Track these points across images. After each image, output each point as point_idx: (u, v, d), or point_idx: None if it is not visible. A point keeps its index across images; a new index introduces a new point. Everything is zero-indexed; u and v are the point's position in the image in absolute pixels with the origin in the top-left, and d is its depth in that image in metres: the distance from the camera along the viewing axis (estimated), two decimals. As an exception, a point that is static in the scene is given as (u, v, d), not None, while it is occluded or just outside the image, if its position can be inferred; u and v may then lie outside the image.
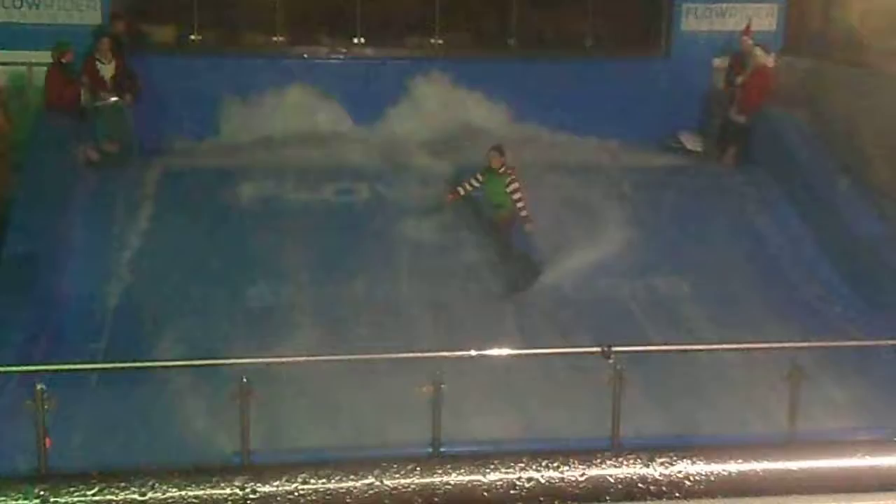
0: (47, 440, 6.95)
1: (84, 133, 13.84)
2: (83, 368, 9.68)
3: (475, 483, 2.20)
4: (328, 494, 2.16)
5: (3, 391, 8.90)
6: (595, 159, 14.93)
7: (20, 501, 2.08)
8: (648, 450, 2.29)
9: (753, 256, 13.64)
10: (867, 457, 2.37)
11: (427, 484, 2.18)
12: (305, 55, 16.23)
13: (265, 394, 7.52)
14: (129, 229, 12.81)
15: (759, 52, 15.36)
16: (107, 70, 14.02)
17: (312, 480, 2.16)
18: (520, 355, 9.44)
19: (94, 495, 2.09)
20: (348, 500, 2.16)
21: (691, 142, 16.05)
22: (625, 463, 2.26)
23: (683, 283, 13.02)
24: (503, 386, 9.52)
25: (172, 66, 15.20)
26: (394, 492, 2.17)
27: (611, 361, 7.55)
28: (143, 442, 8.71)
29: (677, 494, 2.25)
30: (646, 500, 2.25)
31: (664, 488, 2.25)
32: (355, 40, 16.25)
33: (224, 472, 2.16)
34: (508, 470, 2.22)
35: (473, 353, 8.25)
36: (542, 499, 2.20)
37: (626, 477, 2.25)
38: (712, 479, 2.27)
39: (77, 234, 12.59)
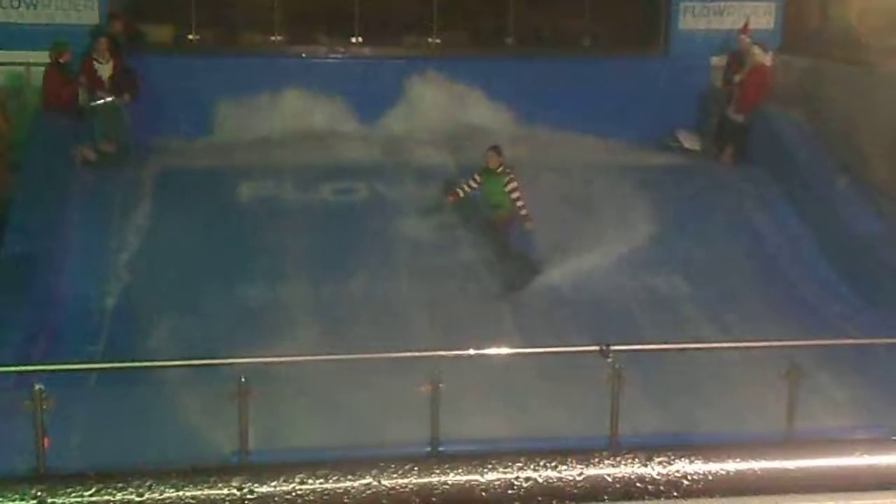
0: (46, 440, 6.95)
1: (82, 133, 13.84)
2: (82, 368, 9.67)
3: (473, 483, 2.20)
4: (326, 494, 2.15)
5: (2, 391, 8.88)
6: (593, 158, 14.92)
7: (17, 502, 2.07)
8: (646, 449, 2.29)
9: (751, 255, 13.65)
10: (865, 455, 2.37)
11: (425, 484, 2.18)
12: (303, 55, 16.23)
13: (263, 393, 7.52)
14: (127, 229, 12.80)
15: (756, 50, 15.37)
16: (104, 70, 14.02)
17: (310, 480, 2.16)
18: (518, 354, 9.44)
19: (91, 496, 2.09)
20: (346, 500, 2.16)
21: (689, 140, 16.05)
22: (623, 462, 2.26)
23: (681, 282, 13.03)
24: (502, 385, 9.51)
25: (170, 66, 15.20)
26: (391, 491, 2.17)
27: (609, 360, 7.55)
28: (141, 442, 8.70)
29: (675, 494, 2.25)
30: (644, 499, 2.25)
31: (662, 487, 2.25)
32: (353, 40, 16.25)
33: (221, 472, 2.16)
34: (506, 469, 2.22)
35: (472, 352, 8.26)
36: (540, 498, 2.20)
37: (624, 476, 2.25)
38: (710, 478, 2.27)
39: (75, 233, 12.59)
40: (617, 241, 13.17)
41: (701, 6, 16.65)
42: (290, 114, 15.57)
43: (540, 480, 2.21)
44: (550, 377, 9.72)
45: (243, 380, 7.32)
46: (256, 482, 2.14)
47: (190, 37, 16.03)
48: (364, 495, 2.15)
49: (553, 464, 2.23)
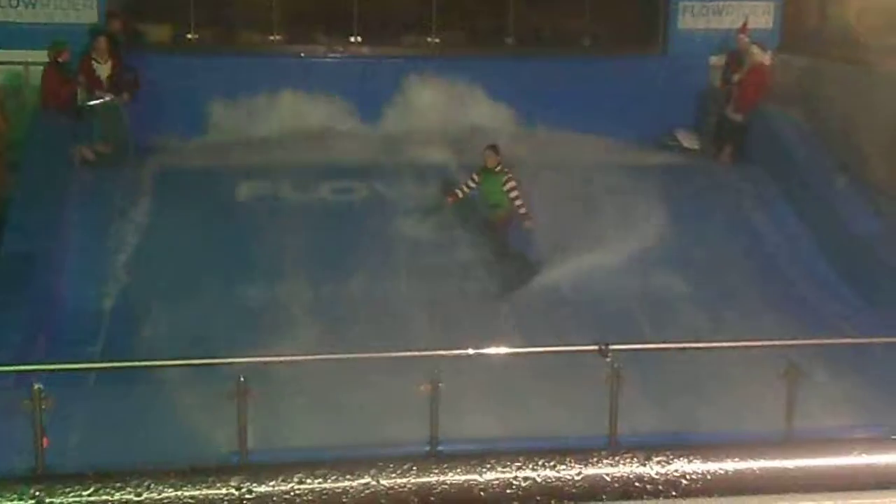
0: (45, 440, 6.95)
1: (80, 132, 13.83)
2: (81, 368, 9.67)
3: (471, 482, 2.20)
4: (324, 494, 2.15)
5: (1, 391, 8.88)
6: (592, 157, 14.91)
7: (15, 502, 2.07)
8: (645, 448, 2.28)
9: (750, 254, 13.65)
10: (864, 455, 2.36)
11: (423, 483, 2.18)
12: (302, 54, 16.23)
13: (262, 393, 7.52)
14: (126, 229, 12.80)
15: (755, 49, 15.37)
16: (103, 69, 14.00)
17: (308, 480, 2.16)
18: (517, 354, 9.43)
19: (89, 496, 2.08)
20: (345, 500, 2.16)
21: (688, 139, 16.05)
22: (621, 462, 2.25)
23: (680, 281, 13.03)
24: (501, 385, 9.51)
25: (169, 65, 15.20)
26: (390, 491, 2.17)
27: (608, 360, 7.55)
28: (140, 442, 8.70)
29: (674, 493, 2.25)
30: (642, 498, 2.25)
31: (661, 487, 2.24)
32: (352, 39, 16.25)
33: (220, 472, 2.16)
34: (505, 469, 2.22)
35: (471, 351, 8.26)
36: (538, 498, 2.20)
37: (622, 476, 2.25)
38: (709, 477, 2.27)
39: (74, 233, 12.59)
40: (616, 241, 13.17)
41: (700, 6, 16.65)
42: (289, 113, 15.56)
43: (538, 480, 2.21)
44: (549, 377, 9.72)
45: (242, 379, 7.32)
46: (255, 482, 2.14)
47: (189, 36, 16.04)
48: (362, 495, 2.15)
49: (552, 463, 2.23)
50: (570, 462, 2.23)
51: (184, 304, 11.63)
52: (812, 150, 14.82)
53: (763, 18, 16.54)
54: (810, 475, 2.32)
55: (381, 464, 2.19)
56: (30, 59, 14.35)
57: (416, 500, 2.16)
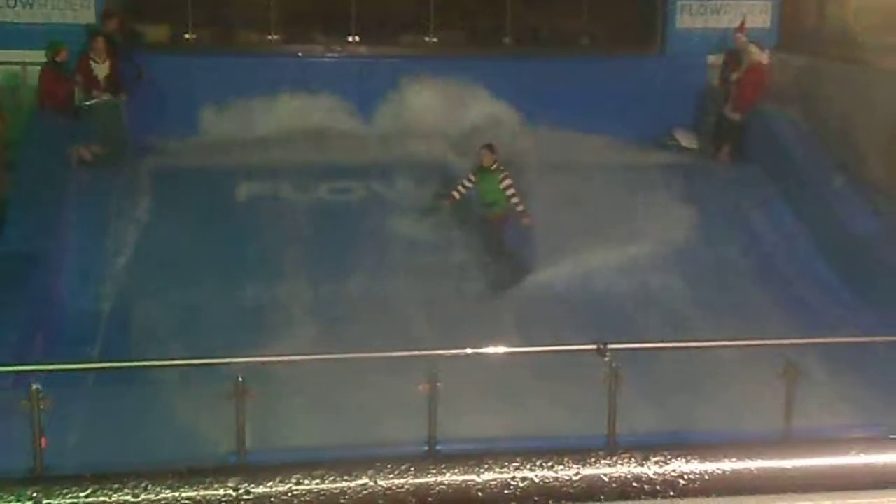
0: (43, 440, 6.93)
1: (78, 132, 13.80)
2: (80, 368, 9.64)
3: (469, 483, 2.19)
4: (322, 495, 2.15)
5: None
6: (590, 156, 14.90)
7: (13, 503, 2.07)
8: (643, 449, 2.28)
9: (748, 253, 13.65)
10: (862, 454, 2.36)
11: (421, 484, 2.18)
12: (300, 54, 16.21)
13: (261, 393, 7.50)
14: (124, 229, 12.79)
15: (753, 49, 15.37)
16: (101, 69, 13.98)
17: (306, 481, 2.16)
18: (515, 353, 9.41)
19: (87, 497, 2.08)
20: (342, 501, 2.16)
21: (686, 139, 16.05)
22: (619, 462, 2.25)
23: (678, 280, 13.02)
24: (499, 384, 9.50)
25: (167, 65, 15.16)
26: (388, 492, 2.17)
27: (606, 359, 7.54)
28: (139, 442, 8.69)
29: (672, 493, 2.25)
30: (640, 498, 2.25)
31: (659, 487, 2.24)
32: (350, 39, 16.24)
33: (217, 473, 2.16)
34: (503, 469, 2.22)
35: (469, 351, 8.24)
36: (536, 498, 2.20)
37: (620, 476, 2.25)
38: (707, 477, 2.27)
39: (71, 233, 12.57)
40: (614, 240, 13.16)
41: (698, 5, 16.65)
42: (287, 113, 15.54)
43: (536, 480, 2.21)
44: (548, 376, 9.71)
45: (240, 379, 7.30)
46: (253, 483, 2.14)
47: (186, 36, 16.02)
48: (360, 495, 2.15)
49: (549, 463, 2.23)
50: (568, 462, 2.23)
51: (182, 304, 11.62)
52: (810, 149, 14.81)
53: (761, 17, 16.54)
54: (808, 475, 2.32)
55: (378, 464, 2.19)
56: (27, 59, 14.31)
57: (413, 500, 2.16)
